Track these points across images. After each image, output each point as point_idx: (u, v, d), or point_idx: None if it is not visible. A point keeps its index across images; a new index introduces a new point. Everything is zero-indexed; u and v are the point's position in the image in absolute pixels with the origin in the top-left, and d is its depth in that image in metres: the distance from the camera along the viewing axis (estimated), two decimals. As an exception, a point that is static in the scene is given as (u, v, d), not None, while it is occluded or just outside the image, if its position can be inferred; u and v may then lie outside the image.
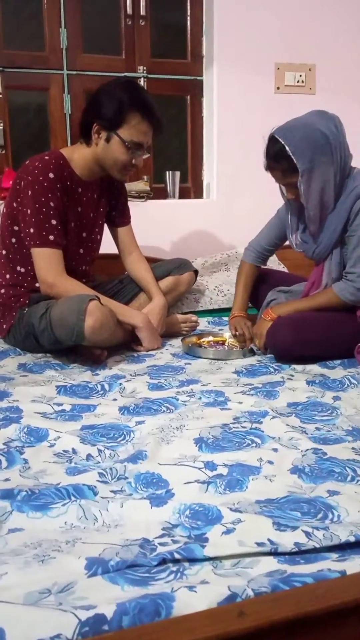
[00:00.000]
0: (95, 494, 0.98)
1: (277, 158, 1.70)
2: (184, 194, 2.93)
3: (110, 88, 1.81)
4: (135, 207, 2.27)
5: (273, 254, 2.13)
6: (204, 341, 2.00)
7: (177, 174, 2.82)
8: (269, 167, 1.75)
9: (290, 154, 1.66)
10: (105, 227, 2.10)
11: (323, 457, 1.11)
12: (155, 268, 2.15)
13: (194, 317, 2.20)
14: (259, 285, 2.12)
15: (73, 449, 1.16)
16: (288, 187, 1.77)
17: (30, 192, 1.77)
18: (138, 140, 1.81)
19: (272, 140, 1.71)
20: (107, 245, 2.13)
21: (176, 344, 2.01)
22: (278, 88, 2.90)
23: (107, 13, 2.79)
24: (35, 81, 2.72)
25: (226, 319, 2.36)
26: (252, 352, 1.89)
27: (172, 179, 2.81)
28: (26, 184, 1.78)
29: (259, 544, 0.83)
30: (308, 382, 1.57)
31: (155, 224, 2.69)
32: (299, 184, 1.70)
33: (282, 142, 1.67)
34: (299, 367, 1.71)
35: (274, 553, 0.81)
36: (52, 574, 0.76)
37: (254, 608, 0.62)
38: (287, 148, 1.66)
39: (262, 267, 2.16)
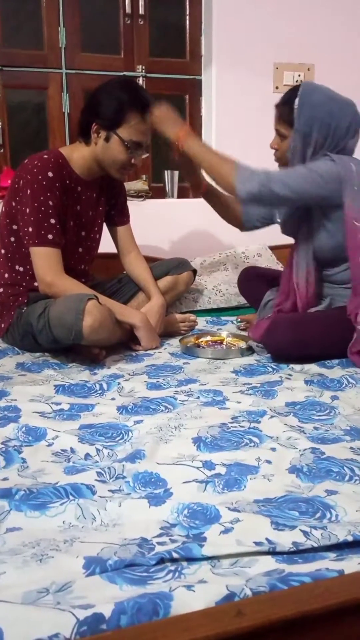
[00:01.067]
0: (94, 493, 0.98)
1: (286, 102, 1.73)
2: (182, 194, 2.93)
3: (110, 87, 1.81)
4: (134, 207, 2.27)
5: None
6: (202, 341, 2.00)
7: (176, 173, 2.82)
8: (277, 105, 1.78)
9: (295, 107, 1.68)
10: (104, 226, 2.09)
11: (321, 457, 1.11)
12: (153, 267, 2.15)
13: (192, 317, 2.20)
14: (256, 284, 2.12)
15: (71, 448, 1.16)
16: (276, 133, 1.80)
17: (29, 191, 1.76)
18: (137, 140, 1.81)
19: (297, 87, 1.73)
20: (106, 244, 2.13)
21: (175, 343, 2.01)
22: (277, 88, 2.90)
23: (106, 12, 2.79)
24: (33, 80, 2.72)
25: (225, 318, 2.36)
26: (250, 351, 1.89)
27: (171, 178, 2.81)
28: (25, 182, 1.78)
29: (257, 544, 0.83)
30: (306, 382, 1.57)
31: (154, 224, 2.68)
32: (290, 138, 1.72)
33: (300, 92, 1.68)
34: (297, 367, 1.72)
35: (272, 552, 0.81)
36: (50, 573, 0.76)
37: (252, 607, 0.62)
38: (296, 100, 1.68)
39: (262, 267, 2.17)
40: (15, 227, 1.86)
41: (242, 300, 2.47)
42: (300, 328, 1.74)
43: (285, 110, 1.73)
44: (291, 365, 1.73)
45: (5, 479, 1.04)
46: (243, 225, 2.10)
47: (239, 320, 2.24)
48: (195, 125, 2.98)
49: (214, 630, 0.59)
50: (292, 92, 1.74)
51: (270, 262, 2.67)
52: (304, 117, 1.69)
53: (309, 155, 1.73)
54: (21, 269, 1.88)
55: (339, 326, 1.73)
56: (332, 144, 1.71)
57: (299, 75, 2.91)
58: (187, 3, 2.87)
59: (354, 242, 1.69)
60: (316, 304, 1.88)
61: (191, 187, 2.06)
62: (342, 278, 1.82)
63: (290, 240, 1.99)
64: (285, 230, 1.90)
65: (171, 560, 0.79)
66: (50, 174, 1.77)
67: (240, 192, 1.66)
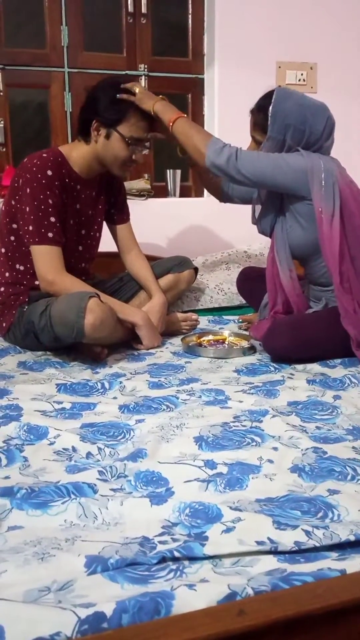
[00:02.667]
0: (95, 492, 0.98)
1: (259, 108, 1.77)
2: (184, 193, 2.92)
3: (109, 85, 1.81)
4: (136, 206, 2.27)
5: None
6: (204, 340, 2.00)
7: (178, 172, 2.82)
8: (251, 111, 1.82)
9: (269, 114, 1.71)
10: (105, 225, 2.09)
11: (323, 456, 1.11)
12: (155, 266, 2.15)
13: (194, 316, 2.19)
14: (255, 285, 2.12)
15: (73, 447, 1.16)
16: (252, 139, 1.83)
17: (28, 190, 1.76)
18: (138, 136, 1.82)
19: (270, 93, 1.75)
20: (107, 243, 2.13)
21: (176, 342, 2.01)
22: (279, 86, 2.88)
23: (108, 11, 2.79)
24: (36, 79, 2.72)
25: (226, 317, 2.36)
26: (252, 350, 1.89)
27: (173, 177, 2.81)
28: (24, 181, 1.78)
29: (258, 543, 0.83)
30: (308, 381, 1.57)
31: (156, 222, 2.68)
32: (263, 145, 1.75)
33: (273, 99, 1.71)
34: (299, 366, 1.71)
35: (274, 552, 0.81)
36: (51, 572, 0.76)
37: (254, 607, 0.62)
38: (271, 106, 1.70)
39: (259, 267, 2.17)
40: (15, 226, 1.85)
41: (244, 299, 2.47)
42: (298, 331, 1.74)
43: (259, 117, 1.76)
44: (293, 365, 1.73)
45: (6, 477, 1.04)
46: (222, 198, 2.17)
47: (240, 320, 2.24)
48: (197, 124, 2.98)
49: (216, 629, 0.59)
50: (266, 98, 1.75)
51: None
52: (278, 124, 1.71)
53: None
54: (22, 267, 1.88)
55: (337, 326, 1.73)
56: (305, 147, 1.73)
57: (302, 74, 2.91)
58: (190, 2, 2.86)
59: (322, 233, 1.71)
60: (308, 304, 1.88)
61: (189, 162, 2.09)
62: (327, 280, 1.82)
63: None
64: (261, 229, 1.91)
65: (173, 559, 0.79)
66: (49, 173, 1.77)
67: (208, 162, 1.72)
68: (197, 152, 1.75)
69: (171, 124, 1.78)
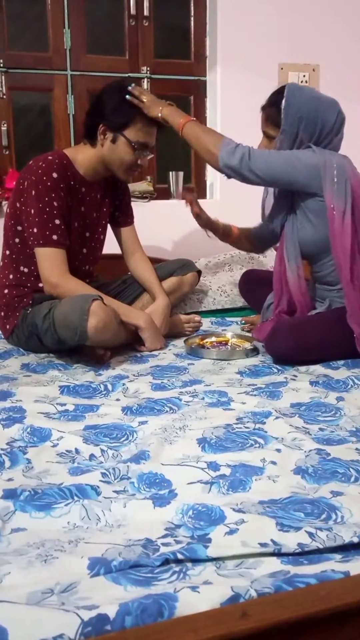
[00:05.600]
0: (98, 494, 0.98)
1: (272, 104, 1.76)
2: (187, 195, 2.93)
3: (116, 90, 1.82)
4: (139, 208, 2.27)
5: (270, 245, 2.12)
6: (207, 342, 1.99)
7: (181, 174, 2.82)
8: (262, 107, 1.82)
9: (282, 107, 1.70)
10: (109, 227, 2.10)
11: (326, 458, 1.11)
12: (158, 268, 2.15)
13: (197, 318, 2.20)
14: (258, 287, 2.12)
15: (76, 449, 1.16)
16: (264, 135, 1.82)
17: (33, 192, 1.77)
18: (144, 141, 1.82)
19: (281, 89, 1.76)
20: (111, 245, 2.13)
21: (179, 344, 2.01)
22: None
23: (110, 14, 2.80)
24: (39, 82, 2.72)
25: (229, 319, 2.36)
26: (255, 352, 1.89)
27: (176, 179, 2.81)
28: (29, 184, 1.78)
29: (262, 545, 0.82)
30: (311, 383, 1.57)
31: (159, 225, 2.68)
32: (277, 139, 1.75)
33: (286, 93, 1.71)
34: (302, 368, 1.71)
35: (277, 554, 0.81)
36: (54, 574, 0.76)
37: (257, 609, 0.62)
38: (283, 100, 1.70)
39: (262, 269, 2.18)
40: (20, 228, 1.86)
41: (247, 302, 2.47)
42: (300, 333, 1.74)
43: (272, 111, 1.76)
44: (296, 367, 1.72)
45: (10, 479, 1.04)
46: (259, 249, 2.21)
47: (242, 322, 2.24)
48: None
49: (219, 631, 0.59)
50: (278, 94, 1.76)
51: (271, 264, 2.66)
52: (291, 117, 1.72)
53: None
54: (26, 270, 1.89)
55: (339, 328, 1.72)
56: (317, 141, 1.74)
57: (304, 76, 2.91)
58: (192, 4, 2.87)
59: (334, 230, 1.71)
60: (313, 305, 1.88)
61: (221, 238, 2.12)
62: (334, 279, 1.82)
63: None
64: (272, 226, 1.91)
65: (176, 561, 0.79)
66: (54, 175, 1.77)
67: (221, 163, 1.72)
68: (209, 154, 1.75)
69: (181, 128, 1.78)
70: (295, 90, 1.74)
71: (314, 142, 1.73)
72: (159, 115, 1.78)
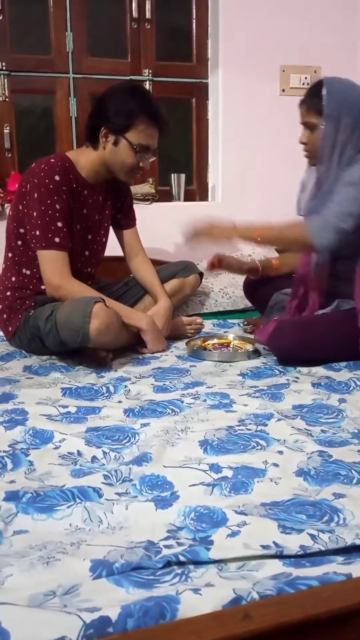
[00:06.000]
0: (100, 496, 0.98)
1: (311, 95, 1.76)
2: (189, 197, 2.93)
3: (118, 92, 1.82)
4: (141, 210, 2.28)
5: None
6: (209, 343, 2.00)
7: (183, 176, 2.82)
8: (301, 101, 1.80)
9: (323, 94, 1.71)
10: (111, 229, 2.10)
11: (329, 460, 1.11)
12: (160, 270, 2.15)
13: (199, 320, 2.20)
14: (262, 288, 2.12)
15: (78, 451, 1.16)
16: (305, 127, 1.80)
17: (36, 195, 1.77)
18: (146, 144, 1.83)
19: (318, 81, 1.77)
20: (113, 247, 2.13)
21: (181, 346, 2.01)
22: (283, 90, 2.90)
23: (112, 16, 2.80)
24: (41, 85, 2.73)
25: (231, 321, 2.36)
26: (257, 354, 1.88)
27: (178, 181, 2.81)
28: (32, 186, 1.79)
29: (264, 547, 0.82)
30: (313, 385, 1.57)
31: (161, 227, 2.68)
32: (319, 126, 1.73)
33: (324, 82, 1.73)
34: (304, 370, 1.71)
35: (280, 556, 0.81)
36: (57, 576, 0.76)
37: (259, 611, 0.62)
38: (323, 89, 1.72)
39: None
40: (22, 230, 1.86)
41: (249, 303, 2.47)
42: (305, 331, 1.74)
43: (313, 101, 1.76)
44: (298, 368, 1.72)
45: (12, 481, 1.04)
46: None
47: (245, 322, 2.24)
48: (201, 128, 2.99)
49: (221, 633, 0.59)
50: (317, 85, 1.77)
51: (277, 265, 2.66)
52: (334, 101, 1.72)
53: (339, 141, 1.73)
54: (28, 272, 1.89)
55: (344, 328, 1.72)
56: (358, 127, 1.72)
57: (306, 78, 2.91)
58: (194, 6, 2.87)
59: None
60: (322, 303, 1.88)
61: (249, 273, 2.11)
62: (344, 269, 1.81)
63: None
64: (306, 215, 1.88)
65: (178, 563, 0.79)
66: (57, 178, 1.78)
67: (321, 248, 1.72)
68: (303, 246, 1.75)
69: (258, 240, 1.77)
70: (334, 79, 1.78)
71: (356, 125, 1.72)
72: (232, 239, 1.80)
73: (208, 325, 2.26)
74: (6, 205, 2.42)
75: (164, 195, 2.83)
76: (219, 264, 2.01)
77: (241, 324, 2.27)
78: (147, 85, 2.83)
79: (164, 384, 1.59)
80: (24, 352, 1.90)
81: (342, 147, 1.73)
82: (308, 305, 1.87)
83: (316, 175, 1.79)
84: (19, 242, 1.88)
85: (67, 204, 1.81)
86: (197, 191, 3.03)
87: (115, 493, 0.99)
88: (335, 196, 1.71)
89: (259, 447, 1.17)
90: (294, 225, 1.78)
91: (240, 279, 2.40)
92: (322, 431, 1.26)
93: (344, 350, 1.74)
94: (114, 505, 0.94)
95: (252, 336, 2.03)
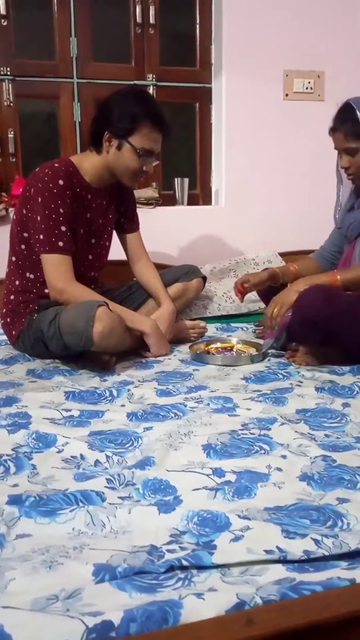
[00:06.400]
0: (103, 500, 0.98)
1: (344, 119, 1.76)
2: (192, 201, 2.93)
3: (121, 97, 1.83)
4: (144, 214, 2.28)
5: (338, 257, 2.08)
6: (212, 347, 1.99)
7: (186, 180, 2.83)
8: (333, 129, 1.79)
9: (358, 117, 1.70)
10: (114, 233, 2.10)
11: (332, 465, 1.10)
12: (163, 274, 2.15)
13: (202, 324, 2.20)
14: (276, 288, 2.10)
15: (81, 455, 1.16)
16: (344, 154, 1.80)
17: (40, 199, 1.78)
18: (149, 148, 1.83)
19: (345, 105, 1.76)
20: (116, 251, 2.14)
21: (184, 350, 2.01)
22: (287, 95, 2.90)
23: (116, 22, 2.82)
24: (45, 90, 2.74)
25: (234, 325, 2.36)
26: (260, 358, 1.88)
27: (181, 185, 2.82)
28: (36, 190, 1.79)
29: (267, 552, 0.82)
30: (317, 389, 1.56)
31: (164, 231, 2.69)
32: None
33: (354, 106, 1.72)
34: (307, 374, 1.71)
35: (283, 561, 0.80)
36: (59, 580, 0.76)
37: (262, 616, 0.62)
38: (357, 111, 1.71)
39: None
40: (26, 234, 1.87)
41: (252, 307, 2.47)
42: (332, 295, 1.69)
43: (349, 126, 1.75)
44: (302, 373, 1.72)
45: (15, 485, 1.04)
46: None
47: (256, 323, 2.22)
48: (205, 133, 3.00)
49: (224, 638, 0.59)
50: (345, 110, 1.76)
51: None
52: None
53: None
54: (32, 276, 1.90)
55: None
56: None
57: (309, 82, 2.91)
58: (197, 11, 2.88)
59: None
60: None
61: (271, 282, 2.08)
62: None
63: (297, 245, 1.98)
64: (349, 233, 1.88)
65: (181, 568, 0.78)
66: (60, 182, 1.78)
67: None
68: None
69: (337, 283, 1.77)
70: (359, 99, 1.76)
71: None
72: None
73: (211, 329, 2.26)
74: (10, 209, 2.43)
75: (168, 199, 2.84)
76: (244, 289, 2.02)
77: (246, 328, 2.26)
78: (151, 90, 2.84)
79: (167, 388, 1.59)
80: (27, 355, 1.91)
81: None
82: None
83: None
84: (23, 246, 1.89)
85: (70, 208, 1.81)
86: (201, 195, 3.04)
87: (118, 497, 0.99)
88: None
89: (263, 451, 1.17)
90: (354, 268, 1.80)
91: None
92: (326, 435, 1.26)
93: None
94: (117, 509, 0.94)
95: (259, 340, 2.02)
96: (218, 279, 2.60)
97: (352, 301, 1.72)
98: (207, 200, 3.03)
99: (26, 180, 1.90)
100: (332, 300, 1.68)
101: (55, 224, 1.78)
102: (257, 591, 0.71)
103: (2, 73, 2.64)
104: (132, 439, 1.24)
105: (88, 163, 1.88)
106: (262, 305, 2.31)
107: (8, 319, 1.92)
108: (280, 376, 1.70)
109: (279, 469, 1.09)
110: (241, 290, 2.03)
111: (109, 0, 2.80)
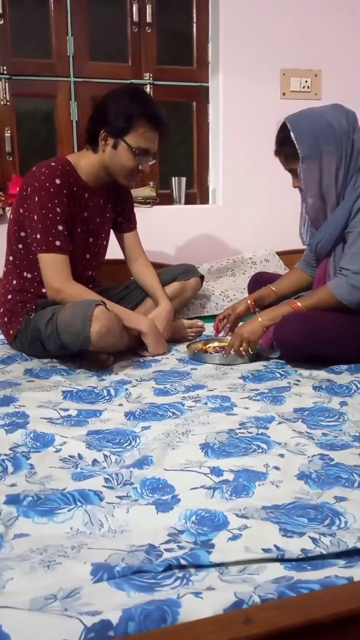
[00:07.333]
0: (101, 499, 0.98)
1: (282, 143, 1.75)
2: (189, 200, 2.94)
3: (117, 95, 1.83)
4: (141, 213, 2.28)
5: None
6: (209, 347, 2.00)
7: (183, 179, 2.83)
8: (276, 152, 1.80)
9: (293, 139, 1.70)
10: (112, 232, 2.10)
11: (330, 463, 1.11)
12: (161, 273, 2.15)
13: (199, 323, 2.20)
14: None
15: (79, 454, 1.16)
16: (292, 174, 1.79)
17: (36, 198, 1.78)
18: (145, 147, 1.83)
19: (282, 125, 1.76)
20: (113, 250, 2.14)
21: (182, 349, 2.01)
22: (284, 94, 2.90)
23: (113, 21, 2.81)
24: (42, 88, 2.74)
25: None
26: (258, 357, 1.88)
27: (178, 184, 2.82)
28: (33, 190, 1.79)
29: (265, 550, 0.82)
30: (315, 388, 1.56)
31: (162, 230, 2.69)
32: (299, 170, 1.72)
33: (289, 128, 1.71)
34: (305, 373, 1.71)
35: (281, 559, 0.81)
36: (57, 580, 0.76)
37: (260, 615, 0.62)
38: (291, 133, 1.70)
39: (270, 272, 2.16)
40: (23, 234, 1.87)
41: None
42: (312, 323, 1.70)
43: (286, 149, 1.74)
44: (299, 371, 1.72)
45: (13, 485, 1.04)
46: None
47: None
48: (202, 132, 3.00)
49: (222, 637, 0.59)
50: (282, 130, 1.75)
51: (278, 268, 2.67)
52: (306, 140, 1.69)
53: (331, 171, 1.70)
54: (29, 275, 1.89)
55: (354, 328, 1.71)
56: (342, 148, 1.70)
57: (306, 81, 2.91)
58: (194, 11, 2.89)
59: None
60: None
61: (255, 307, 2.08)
62: None
63: (294, 244, 1.97)
64: (319, 252, 1.85)
65: (179, 567, 0.79)
66: (57, 181, 1.78)
67: (350, 305, 1.71)
68: (337, 304, 1.72)
69: (299, 309, 1.77)
70: (295, 117, 1.74)
71: (339, 150, 1.69)
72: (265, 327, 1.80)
73: (209, 329, 2.25)
74: (7, 208, 2.42)
75: (165, 198, 2.84)
76: (223, 327, 2.02)
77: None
78: (148, 89, 2.84)
79: (164, 387, 1.59)
80: (24, 355, 1.90)
81: (336, 174, 1.71)
82: None
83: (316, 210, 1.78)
84: (20, 246, 1.89)
85: (67, 207, 1.81)
86: (198, 194, 3.04)
87: (116, 496, 0.99)
88: (351, 248, 1.71)
89: (260, 450, 1.17)
90: (316, 293, 1.78)
91: (242, 281, 2.40)
92: (324, 434, 1.26)
93: (351, 350, 1.72)
94: (115, 508, 0.94)
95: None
96: (215, 278, 2.60)
97: (329, 325, 1.71)
98: (204, 200, 3.03)
99: (23, 180, 1.90)
100: (310, 329, 1.68)
101: (52, 223, 1.78)
102: (255, 590, 0.71)
103: (-2, 72, 2.64)
104: (130, 438, 1.24)
105: (85, 162, 1.88)
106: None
107: (5, 319, 1.92)
108: (278, 375, 1.70)
109: (277, 468, 1.09)
110: (216, 329, 2.04)
111: (106, -1, 2.80)
